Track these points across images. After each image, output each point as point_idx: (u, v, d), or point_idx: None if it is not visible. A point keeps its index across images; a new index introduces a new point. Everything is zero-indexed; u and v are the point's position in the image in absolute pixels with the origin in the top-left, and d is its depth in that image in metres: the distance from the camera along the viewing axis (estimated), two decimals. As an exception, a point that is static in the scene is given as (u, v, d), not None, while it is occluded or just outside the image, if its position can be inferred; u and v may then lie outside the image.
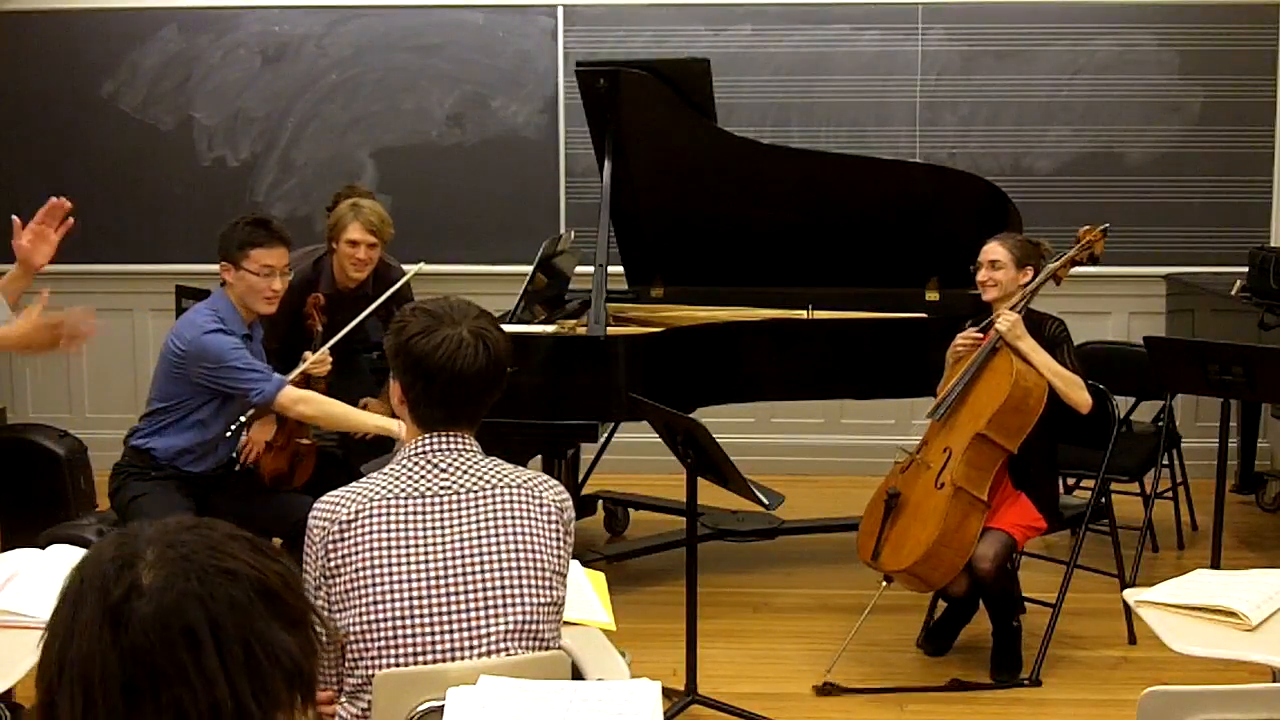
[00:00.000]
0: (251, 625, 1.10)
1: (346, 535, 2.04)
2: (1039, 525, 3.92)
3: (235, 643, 1.09)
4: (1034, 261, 3.99)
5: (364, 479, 2.12)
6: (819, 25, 6.08)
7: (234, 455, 3.95)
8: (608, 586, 2.75)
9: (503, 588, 2.04)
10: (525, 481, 2.14)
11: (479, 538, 2.06)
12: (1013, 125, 6.10)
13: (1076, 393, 3.85)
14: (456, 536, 2.05)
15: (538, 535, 2.09)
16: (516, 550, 2.06)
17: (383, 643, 2.00)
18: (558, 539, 2.12)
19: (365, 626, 2.01)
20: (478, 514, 2.08)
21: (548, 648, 2.09)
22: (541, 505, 2.13)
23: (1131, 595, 2.62)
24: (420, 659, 2.00)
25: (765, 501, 3.52)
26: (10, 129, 6.31)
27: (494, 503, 2.09)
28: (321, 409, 3.76)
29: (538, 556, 2.08)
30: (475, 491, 2.09)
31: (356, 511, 2.05)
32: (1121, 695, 3.72)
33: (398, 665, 2.00)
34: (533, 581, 2.06)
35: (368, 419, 3.75)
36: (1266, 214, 6.11)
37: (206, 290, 4.31)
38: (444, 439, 2.12)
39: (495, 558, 2.05)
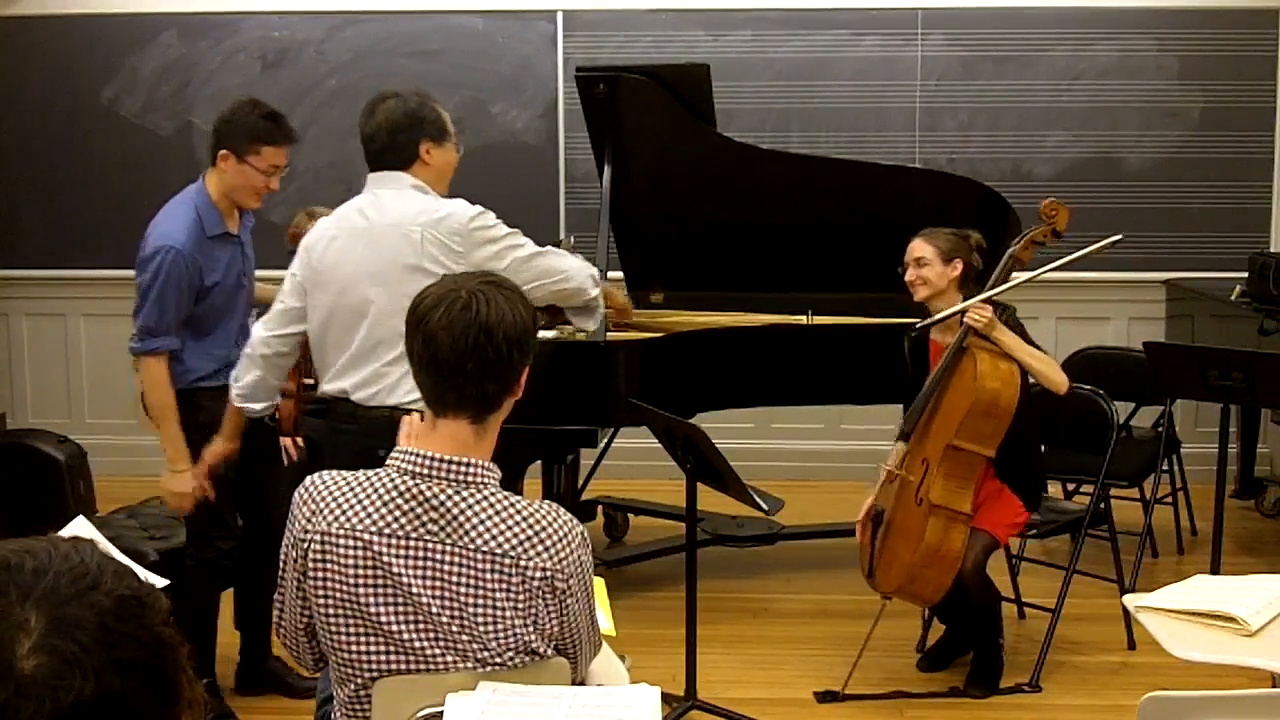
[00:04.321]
0: None
1: (327, 557, 1.98)
2: (1021, 519, 3.81)
3: None
4: (962, 254, 3.79)
5: (358, 476, 2.03)
6: (819, 30, 6.08)
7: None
8: (607, 592, 2.75)
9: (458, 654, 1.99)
10: (512, 549, 1.97)
11: (445, 604, 1.97)
12: (1012, 130, 6.10)
13: (1055, 373, 3.71)
14: (428, 592, 1.97)
15: (502, 615, 1.97)
16: (475, 626, 1.97)
17: (372, 660, 2.00)
18: (533, 612, 1.98)
19: (353, 639, 2.00)
20: (449, 579, 1.97)
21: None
22: (524, 579, 1.97)
23: (1131, 601, 2.61)
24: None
25: (765, 507, 3.52)
26: (11, 134, 6.32)
27: (470, 575, 1.97)
28: (149, 395, 3.43)
29: (496, 636, 1.98)
30: (454, 554, 1.97)
31: (337, 533, 1.98)
32: (1121, 701, 3.73)
33: (392, 674, 2.00)
34: (482, 653, 1.99)
35: (165, 429, 3.42)
36: (1266, 219, 6.11)
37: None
38: (439, 463, 1.98)
39: (456, 627, 1.98)
